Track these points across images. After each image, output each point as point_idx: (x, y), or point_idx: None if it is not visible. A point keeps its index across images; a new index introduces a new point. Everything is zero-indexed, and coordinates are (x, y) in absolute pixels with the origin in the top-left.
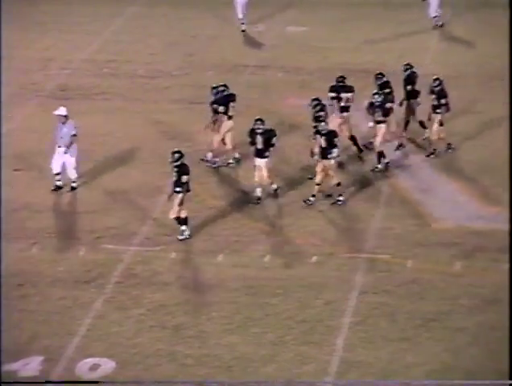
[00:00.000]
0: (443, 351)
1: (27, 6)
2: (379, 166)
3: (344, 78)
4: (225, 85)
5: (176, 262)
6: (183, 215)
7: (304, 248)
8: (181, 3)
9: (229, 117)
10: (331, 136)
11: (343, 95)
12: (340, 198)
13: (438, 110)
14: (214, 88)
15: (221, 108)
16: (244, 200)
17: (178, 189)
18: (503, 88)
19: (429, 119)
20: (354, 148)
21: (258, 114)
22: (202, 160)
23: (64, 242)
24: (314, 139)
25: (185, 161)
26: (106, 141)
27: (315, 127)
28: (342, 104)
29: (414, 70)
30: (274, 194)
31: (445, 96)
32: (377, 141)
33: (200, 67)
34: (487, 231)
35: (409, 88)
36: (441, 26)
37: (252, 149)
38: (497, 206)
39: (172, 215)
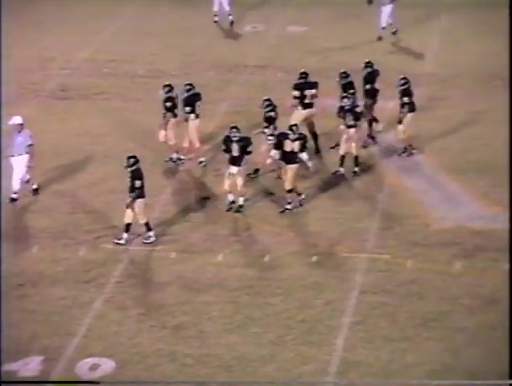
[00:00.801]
0: (443, 351)
1: (27, 6)
2: (356, 169)
3: (307, 74)
4: (190, 84)
5: (176, 262)
6: (141, 220)
7: (304, 248)
8: (181, 3)
9: (197, 116)
10: (301, 141)
11: (307, 92)
12: (288, 206)
13: (402, 109)
14: (166, 85)
15: (188, 109)
16: (243, 200)
17: (131, 194)
18: (503, 87)
19: (400, 122)
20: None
21: (258, 114)
22: (168, 161)
23: (64, 242)
24: (269, 140)
25: (140, 166)
26: (106, 141)
27: (265, 127)
28: (306, 100)
29: (374, 68)
30: (237, 209)
31: (409, 96)
32: (354, 147)
33: (200, 67)
34: (487, 231)
35: (368, 86)
36: (394, 33)
37: (227, 156)
38: (497, 206)
39: (126, 220)
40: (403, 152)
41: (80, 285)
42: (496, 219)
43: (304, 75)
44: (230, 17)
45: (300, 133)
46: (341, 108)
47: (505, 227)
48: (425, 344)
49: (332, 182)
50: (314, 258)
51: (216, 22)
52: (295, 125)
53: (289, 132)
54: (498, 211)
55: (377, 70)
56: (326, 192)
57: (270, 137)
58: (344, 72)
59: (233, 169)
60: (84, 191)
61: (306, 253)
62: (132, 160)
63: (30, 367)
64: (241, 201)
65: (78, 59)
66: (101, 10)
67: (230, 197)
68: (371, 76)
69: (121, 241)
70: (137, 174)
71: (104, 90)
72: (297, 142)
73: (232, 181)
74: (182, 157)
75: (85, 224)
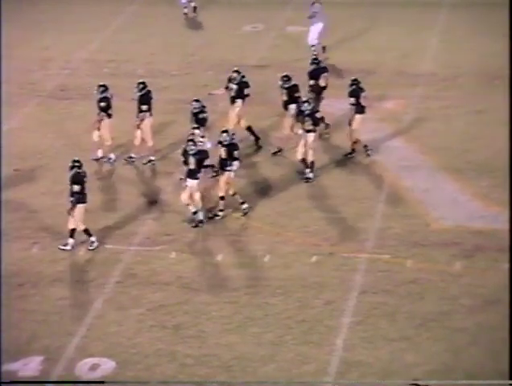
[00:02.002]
0: (443, 351)
1: (27, 6)
2: (311, 175)
3: (237, 71)
4: (143, 82)
5: (176, 262)
6: (79, 227)
7: (304, 248)
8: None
9: (151, 114)
10: (232, 148)
11: (231, 85)
12: (244, 205)
13: (355, 110)
14: (100, 86)
15: (145, 107)
16: (243, 200)
17: (70, 199)
18: (503, 87)
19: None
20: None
21: (257, 114)
22: (127, 159)
23: (64, 242)
24: (200, 142)
25: (82, 170)
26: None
27: (194, 128)
28: (232, 94)
29: (321, 66)
30: (191, 219)
31: (356, 97)
32: (310, 153)
33: (200, 67)
34: (487, 231)
35: (312, 82)
36: (323, 49)
37: (184, 169)
38: (497, 206)
39: (69, 225)
40: (350, 153)
41: (80, 285)
42: (496, 219)
43: (316, 61)
44: (192, 3)
45: (231, 142)
46: (301, 113)
47: (505, 227)
48: (425, 344)
49: (332, 182)
50: (314, 258)
51: (185, 14)
52: (226, 131)
53: (221, 137)
54: (498, 211)
55: (325, 67)
56: (326, 192)
57: (201, 139)
58: (286, 76)
59: (190, 182)
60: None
61: (306, 253)
62: (72, 164)
63: (30, 367)
64: (200, 216)
65: (78, 59)
66: (101, 9)
67: (192, 208)
68: (316, 73)
69: (67, 247)
70: (75, 179)
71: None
72: (223, 149)
73: (189, 194)
74: (133, 155)
75: (85, 224)
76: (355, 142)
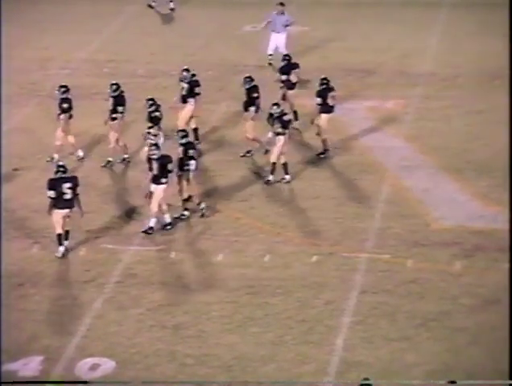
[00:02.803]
0: (443, 351)
1: (27, 6)
2: (287, 177)
3: (187, 69)
4: (117, 84)
5: (176, 262)
6: (56, 231)
7: (304, 248)
8: (181, 3)
9: (123, 117)
10: (188, 147)
11: (182, 84)
12: (202, 205)
13: (320, 110)
14: (62, 86)
15: (121, 108)
16: (243, 199)
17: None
18: (503, 87)
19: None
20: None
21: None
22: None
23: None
24: (151, 140)
25: (59, 175)
26: (106, 141)
27: (150, 128)
28: (183, 92)
29: (292, 61)
30: (163, 227)
31: (323, 97)
32: (274, 153)
33: (200, 67)
34: (487, 231)
35: (284, 77)
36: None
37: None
38: (497, 206)
39: (57, 230)
40: (322, 153)
41: (80, 285)
42: (496, 219)
43: (287, 57)
44: (171, 4)
45: (188, 141)
46: (270, 116)
47: (505, 227)
48: (425, 344)
49: (332, 182)
50: (314, 258)
51: (151, 7)
52: (183, 130)
53: (176, 136)
54: (498, 211)
55: (296, 63)
56: (326, 192)
57: (152, 137)
58: (249, 77)
59: (154, 187)
60: (84, 191)
61: (306, 253)
62: (56, 169)
63: (30, 367)
64: (167, 219)
65: (78, 59)
66: (101, 9)
67: (167, 218)
68: (287, 68)
69: (58, 254)
70: (49, 185)
71: (104, 90)
72: (182, 148)
73: (155, 200)
74: (125, 156)
75: (85, 224)
76: (324, 141)
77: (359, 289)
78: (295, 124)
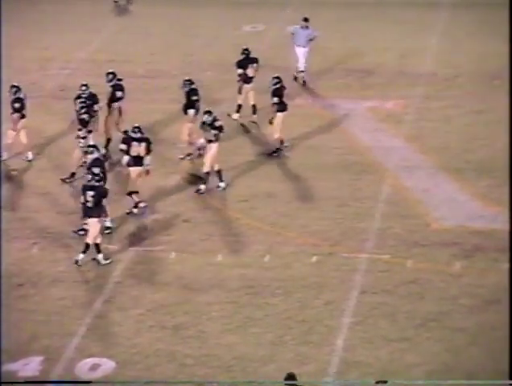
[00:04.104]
0: (443, 351)
1: (27, 6)
2: (222, 184)
3: (112, 73)
4: (86, 85)
5: (176, 262)
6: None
7: (304, 248)
8: (181, 3)
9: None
10: (146, 142)
11: (107, 84)
12: (135, 210)
13: (277, 108)
14: (13, 86)
15: (97, 106)
16: (243, 199)
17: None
18: (503, 87)
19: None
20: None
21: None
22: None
23: (64, 242)
24: (80, 143)
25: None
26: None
27: (79, 130)
28: (108, 96)
29: (251, 56)
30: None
31: (279, 96)
32: (208, 161)
33: (200, 67)
34: (487, 231)
35: (240, 71)
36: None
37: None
38: (497, 206)
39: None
40: (275, 152)
41: (80, 285)
42: (496, 219)
43: (246, 52)
44: None
45: (143, 137)
46: (203, 123)
47: (505, 228)
48: (425, 344)
49: (332, 182)
50: (314, 258)
51: (116, 1)
52: (138, 127)
53: (132, 133)
54: (498, 211)
55: (254, 58)
56: (326, 192)
57: (81, 140)
58: (188, 80)
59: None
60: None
61: (306, 253)
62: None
63: (30, 367)
64: (108, 223)
65: (78, 59)
66: (101, 9)
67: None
68: (245, 62)
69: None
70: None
71: (104, 90)
72: (143, 144)
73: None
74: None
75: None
76: (279, 139)
77: (359, 290)
78: (254, 118)
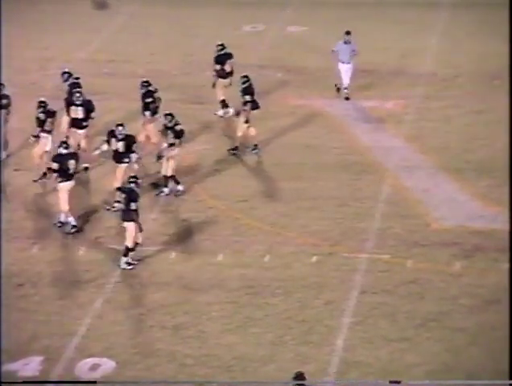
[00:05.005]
0: (443, 351)
1: (27, 6)
2: (180, 187)
3: (67, 72)
4: (74, 80)
5: (176, 262)
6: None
7: (304, 248)
8: (181, 3)
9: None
10: (129, 140)
11: (63, 83)
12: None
13: (244, 107)
14: None
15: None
16: (243, 199)
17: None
18: (503, 87)
19: (237, 114)
20: None
21: (257, 113)
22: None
23: (64, 242)
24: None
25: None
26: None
27: (40, 133)
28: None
29: (226, 52)
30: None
31: (251, 94)
32: (169, 165)
33: (200, 67)
34: (487, 231)
35: (218, 67)
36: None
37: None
38: (497, 206)
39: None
40: (253, 149)
41: (80, 286)
42: (496, 219)
43: (222, 47)
44: None
45: (126, 134)
46: (164, 127)
47: (505, 228)
48: (425, 344)
49: (332, 182)
50: (314, 258)
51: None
52: (121, 124)
53: (116, 130)
54: (498, 211)
55: (230, 53)
56: (326, 192)
57: (32, 138)
58: (146, 82)
59: (60, 186)
60: (84, 191)
61: (306, 253)
62: (129, 179)
63: (30, 367)
64: (72, 221)
65: (78, 59)
66: (101, 9)
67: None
68: (222, 58)
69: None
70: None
71: (104, 90)
72: (121, 142)
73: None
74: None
75: (85, 224)
76: (247, 137)
77: (359, 290)
78: (220, 112)
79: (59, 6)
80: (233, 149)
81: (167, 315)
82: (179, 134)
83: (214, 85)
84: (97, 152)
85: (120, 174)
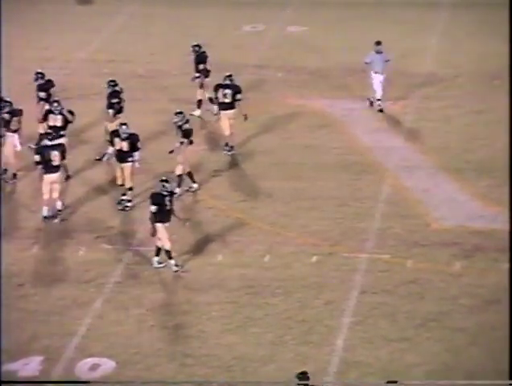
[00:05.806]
0: (443, 351)
1: (27, 6)
2: (177, 191)
3: (40, 73)
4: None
5: (176, 262)
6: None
7: (304, 248)
8: (181, 3)
9: None
10: (133, 139)
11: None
12: (124, 197)
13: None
14: None
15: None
16: (243, 199)
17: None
18: (503, 87)
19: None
20: None
21: (257, 113)
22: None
23: (64, 242)
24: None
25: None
26: (105, 141)
27: (9, 131)
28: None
29: (203, 50)
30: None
31: (239, 92)
32: (180, 164)
33: None
34: (487, 231)
35: (201, 66)
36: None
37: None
38: (497, 206)
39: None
40: (229, 149)
41: (80, 285)
42: (496, 219)
43: (198, 47)
44: None
45: (131, 133)
46: (176, 126)
47: (505, 228)
48: (425, 344)
49: (332, 182)
50: (314, 258)
51: None
52: (125, 123)
53: (120, 130)
54: (498, 211)
55: (205, 51)
56: (326, 192)
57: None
58: (113, 81)
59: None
60: (84, 191)
61: (306, 253)
62: (160, 181)
63: (30, 367)
64: (45, 212)
65: (77, 59)
66: (101, 9)
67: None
68: (202, 58)
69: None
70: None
71: (104, 90)
72: (125, 142)
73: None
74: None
75: (85, 224)
76: (231, 135)
77: (359, 290)
78: (196, 112)
79: (59, 6)
80: (228, 150)
81: (167, 315)
82: (187, 133)
83: (202, 85)
84: (106, 158)
85: (128, 173)
